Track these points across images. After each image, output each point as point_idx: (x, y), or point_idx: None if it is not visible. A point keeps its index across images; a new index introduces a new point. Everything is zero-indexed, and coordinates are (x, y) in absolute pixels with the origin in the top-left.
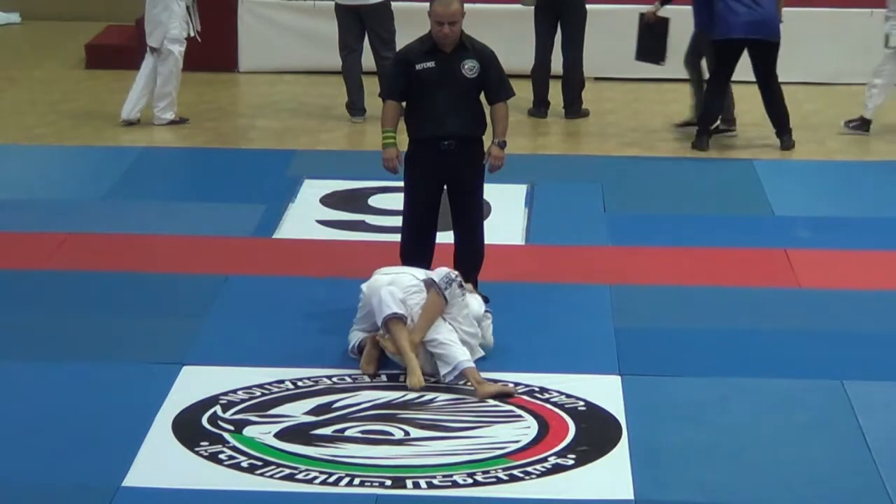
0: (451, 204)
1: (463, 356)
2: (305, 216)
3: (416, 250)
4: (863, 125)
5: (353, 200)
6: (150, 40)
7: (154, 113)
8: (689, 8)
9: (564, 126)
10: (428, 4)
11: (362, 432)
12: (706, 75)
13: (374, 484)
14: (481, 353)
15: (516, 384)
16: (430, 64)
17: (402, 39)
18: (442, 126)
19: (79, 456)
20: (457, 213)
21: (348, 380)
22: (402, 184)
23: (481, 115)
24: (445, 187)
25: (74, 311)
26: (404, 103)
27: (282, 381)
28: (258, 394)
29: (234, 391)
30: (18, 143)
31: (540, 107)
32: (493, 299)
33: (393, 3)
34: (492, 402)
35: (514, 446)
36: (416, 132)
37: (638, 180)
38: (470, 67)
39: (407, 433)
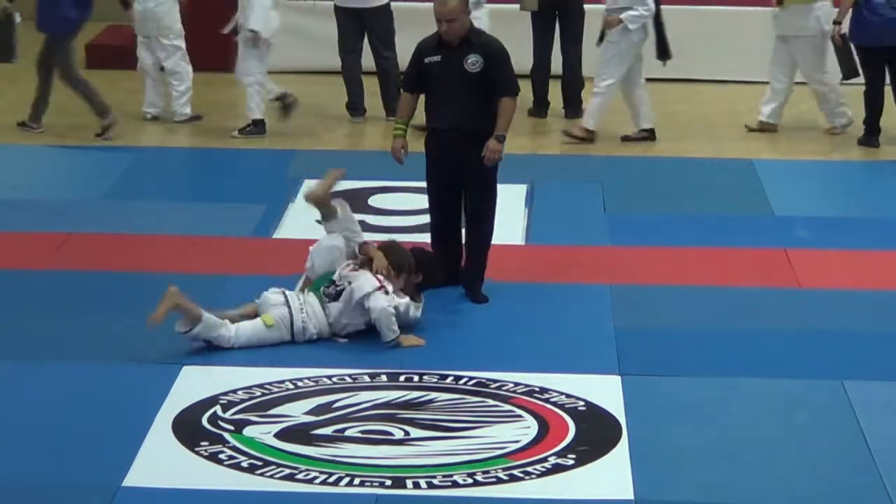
0: (463, 192)
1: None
2: (305, 216)
3: (441, 237)
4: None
5: (353, 200)
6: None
7: (175, 109)
8: None
9: (564, 126)
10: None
11: (362, 432)
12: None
13: (374, 484)
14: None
15: (516, 384)
16: (437, 58)
17: (402, 39)
18: (442, 118)
19: (79, 456)
20: (466, 200)
21: (348, 380)
22: (402, 183)
23: (485, 110)
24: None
25: (74, 311)
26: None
27: (282, 381)
28: (258, 394)
29: (234, 391)
30: (18, 143)
31: (540, 107)
32: (493, 299)
33: (393, 3)
34: (491, 401)
35: (514, 446)
36: (427, 122)
37: (638, 180)
38: (472, 62)
39: (407, 433)
